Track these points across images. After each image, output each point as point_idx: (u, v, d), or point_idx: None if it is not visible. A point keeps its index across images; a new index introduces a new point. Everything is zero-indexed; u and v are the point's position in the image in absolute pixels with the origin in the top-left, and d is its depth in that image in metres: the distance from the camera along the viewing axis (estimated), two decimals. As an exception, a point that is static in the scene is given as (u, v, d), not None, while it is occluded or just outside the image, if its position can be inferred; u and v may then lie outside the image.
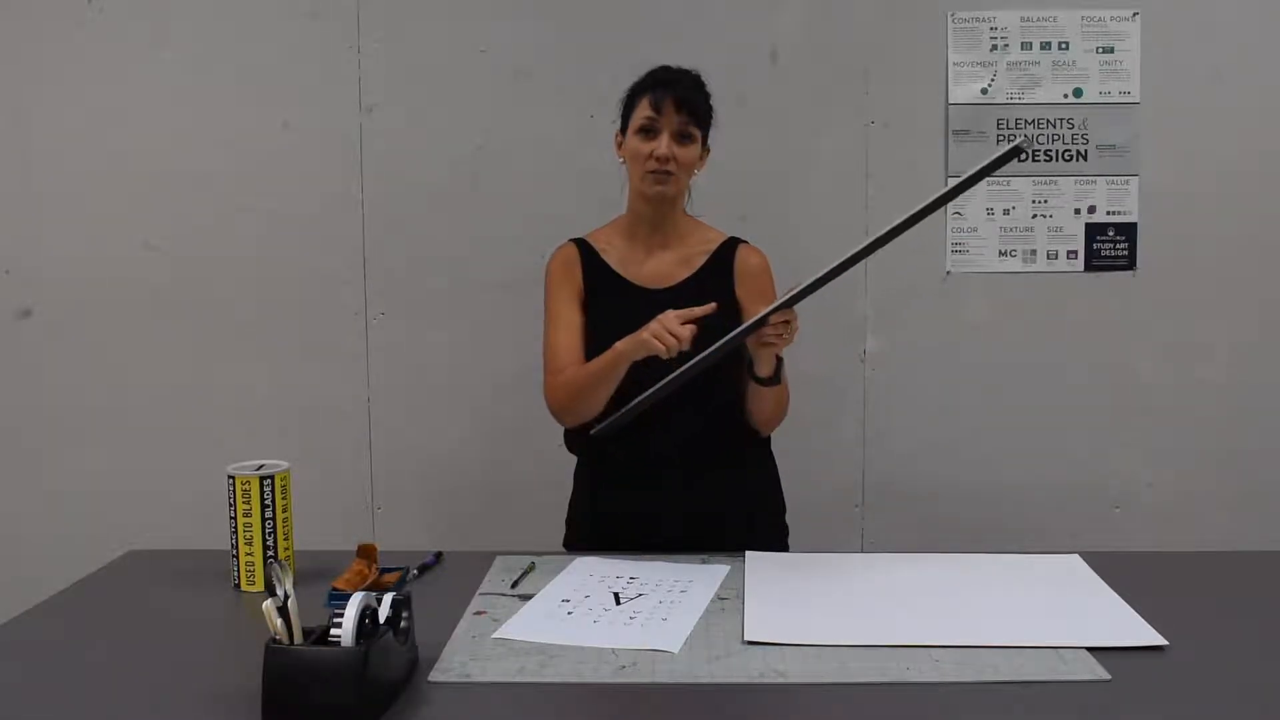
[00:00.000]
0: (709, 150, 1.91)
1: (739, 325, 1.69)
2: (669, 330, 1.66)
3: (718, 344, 1.66)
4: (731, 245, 1.94)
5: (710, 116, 1.89)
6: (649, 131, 1.83)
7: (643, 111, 1.84)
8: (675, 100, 1.82)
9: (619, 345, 1.75)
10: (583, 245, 1.94)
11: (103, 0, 2.65)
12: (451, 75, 2.67)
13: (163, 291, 2.70)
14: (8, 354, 2.72)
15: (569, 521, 2.00)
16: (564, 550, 1.91)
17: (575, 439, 1.95)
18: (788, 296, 1.64)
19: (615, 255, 1.92)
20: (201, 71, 2.67)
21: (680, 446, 1.85)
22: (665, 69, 1.88)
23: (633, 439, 1.84)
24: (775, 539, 1.95)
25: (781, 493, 2.00)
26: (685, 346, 1.66)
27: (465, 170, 2.69)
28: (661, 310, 1.71)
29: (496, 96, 2.67)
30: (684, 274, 1.90)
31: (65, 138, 2.68)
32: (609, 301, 1.89)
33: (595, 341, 1.86)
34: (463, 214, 2.70)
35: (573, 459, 1.99)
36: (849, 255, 1.59)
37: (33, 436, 2.74)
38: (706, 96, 1.88)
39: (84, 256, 2.70)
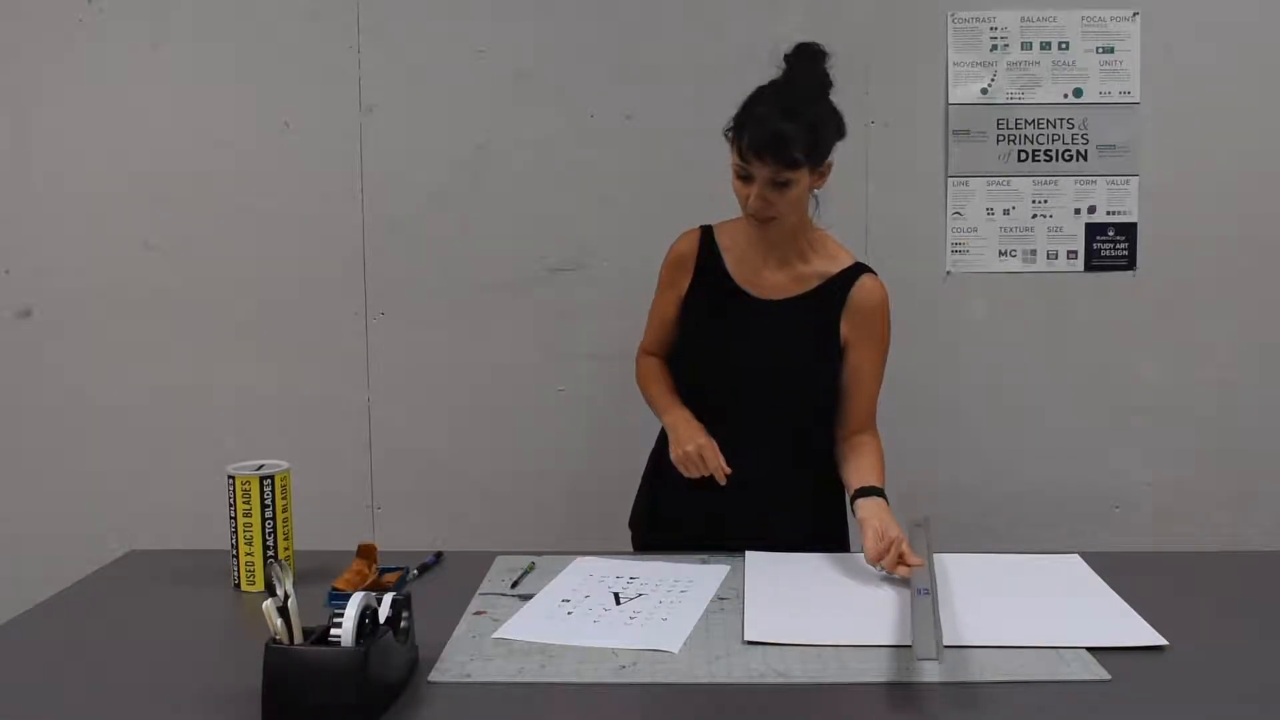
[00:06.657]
0: (828, 167, 1.78)
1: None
2: (703, 457, 1.73)
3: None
4: (853, 275, 1.85)
5: (815, 150, 1.73)
6: (744, 177, 1.74)
7: (736, 156, 1.74)
8: (759, 157, 1.70)
9: (666, 418, 1.85)
10: (707, 236, 1.90)
11: (103, 0, 2.66)
12: (451, 75, 2.67)
13: (163, 291, 2.70)
14: (8, 354, 2.72)
15: (632, 524, 2.01)
16: (566, 551, 1.90)
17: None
18: (912, 566, 1.58)
19: (734, 254, 1.87)
20: (201, 71, 2.67)
21: (756, 467, 1.80)
22: (761, 104, 1.75)
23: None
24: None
25: (846, 522, 1.93)
26: (707, 473, 1.74)
27: (465, 170, 2.69)
28: (761, 318, 1.76)
29: (496, 96, 2.67)
30: (793, 291, 1.84)
31: (65, 138, 2.68)
32: (711, 298, 1.87)
33: (688, 329, 1.88)
34: (463, 214, 2.69)
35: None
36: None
37: (33, 436, 2.74)
38: (806, 137, 1.70)
39: (84, 256, 2.70)
